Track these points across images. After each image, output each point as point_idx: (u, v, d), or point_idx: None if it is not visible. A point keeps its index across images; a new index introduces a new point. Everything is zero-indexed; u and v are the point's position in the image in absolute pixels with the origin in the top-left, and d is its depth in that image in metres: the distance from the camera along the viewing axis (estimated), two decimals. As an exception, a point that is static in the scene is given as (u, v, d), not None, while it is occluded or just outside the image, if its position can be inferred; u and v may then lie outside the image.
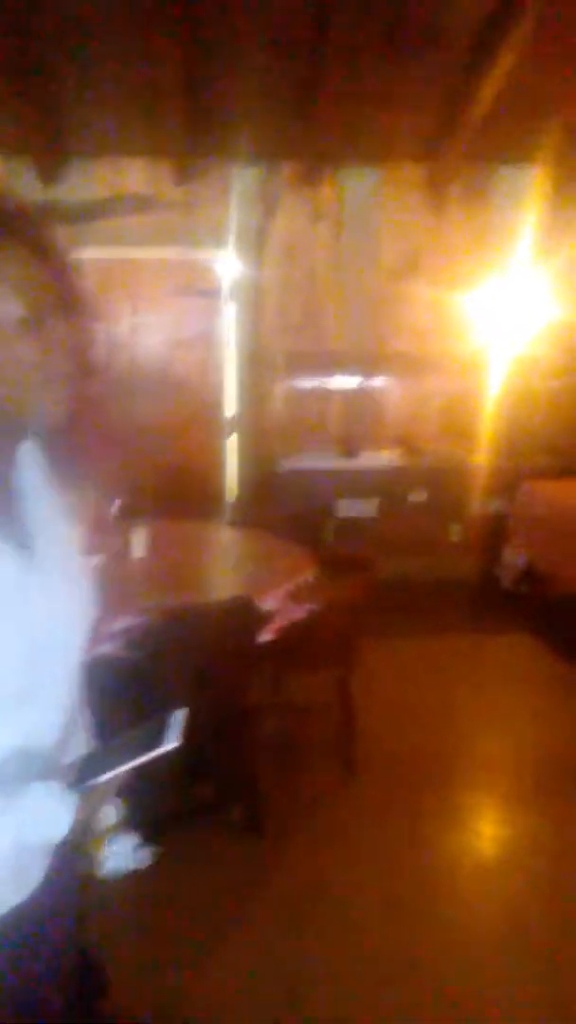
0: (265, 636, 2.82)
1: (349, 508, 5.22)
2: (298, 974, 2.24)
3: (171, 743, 1.03)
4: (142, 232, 4.95)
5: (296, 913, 2.48)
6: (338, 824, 2.91)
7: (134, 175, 4.95)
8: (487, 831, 3.03)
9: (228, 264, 5.21)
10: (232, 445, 5.42)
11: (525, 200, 5.04)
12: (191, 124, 4.54)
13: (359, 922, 2.44)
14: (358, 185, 5.11)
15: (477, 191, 5.14)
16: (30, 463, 1.13)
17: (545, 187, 4.96)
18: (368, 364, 5.35)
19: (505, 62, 4.06)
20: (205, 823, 2.83)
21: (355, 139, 4.85)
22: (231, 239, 5.10)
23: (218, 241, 5.09)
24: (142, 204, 4.91)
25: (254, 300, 5.25)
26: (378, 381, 5.41)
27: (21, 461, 1.11)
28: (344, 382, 5.38)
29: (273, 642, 2.84)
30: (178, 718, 1.07)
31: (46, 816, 1.00)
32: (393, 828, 2.89)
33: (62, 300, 1.07)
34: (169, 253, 5.08)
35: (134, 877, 2.26)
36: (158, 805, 2.68)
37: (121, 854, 1.22)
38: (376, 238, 5.19)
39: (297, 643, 2.94)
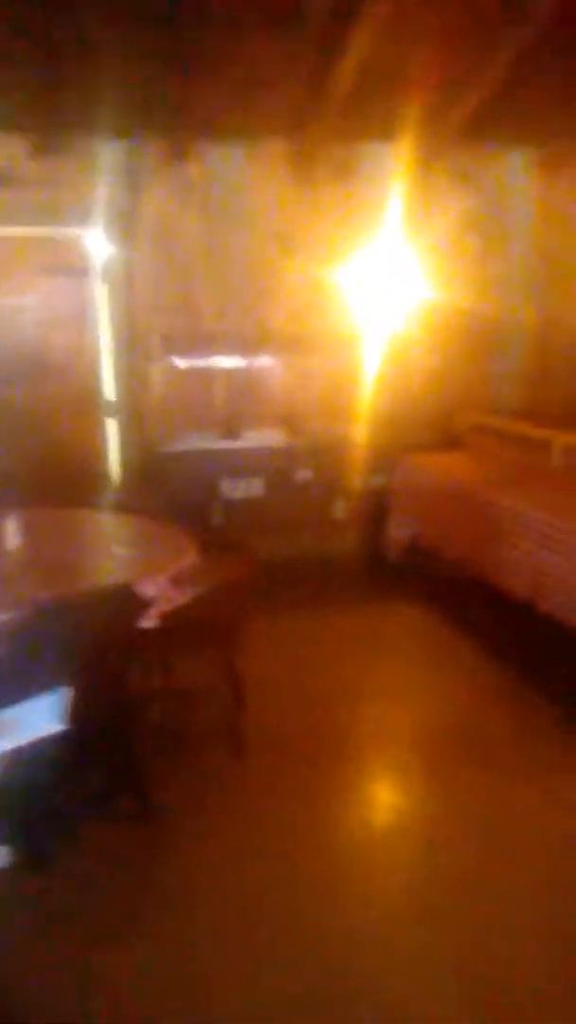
0: (147, 622, 2.77)
1: (234, 489, 5.20)
2: (195, 965, 2.22)
3: (56, 724, 0.98)
4: (4, 209, 4.74)
5: (190, 899, 2.45)
6: (230, 805, 2.90)
7: (-9, 149, 4.73)
8: (380, 801, 3.08)
9: (97, 242, 5.06)
10: (112, 429, 5.29)
11: (391, 177, 5.09)
12: (50, 97, 4.36)
13: (255, 903, 2.44)
14: (226, 161, 5.05)
15: (343, 167, 5.16)
16: None
17: (408, 164, 5.02)
18: (246, 344, 5.31)
19: (363, 40, 4.07)
20: (94, 814, 2.77)
21: (221, 115, 4.78)
22: (99, 217, 4.95)
23: (86, 219, 4.94)
24: (1, 179, 4.70)
25: (126, 279, 5.13)
26: (257, 361, 5.38)
27: None
28: (223, 362, 5.32)
29: (156, 628, 2.80)
30: (59, 700, 1.02)
31: None
32: (285, 805, 2.90)
33: None
34: (35, 231, 4.89)
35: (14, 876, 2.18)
36: (42, 801, 2.60)
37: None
38: (247, 215, 5.14)
39: (181, 627, 2.90)
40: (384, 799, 3.10)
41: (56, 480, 4.78)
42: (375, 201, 5.11)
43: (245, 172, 5.09)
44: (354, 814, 2.92)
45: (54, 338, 5.12)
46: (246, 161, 5.08)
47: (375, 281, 5.25)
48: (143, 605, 2.70)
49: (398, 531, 5.19)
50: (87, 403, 5.19)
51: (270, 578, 3.62)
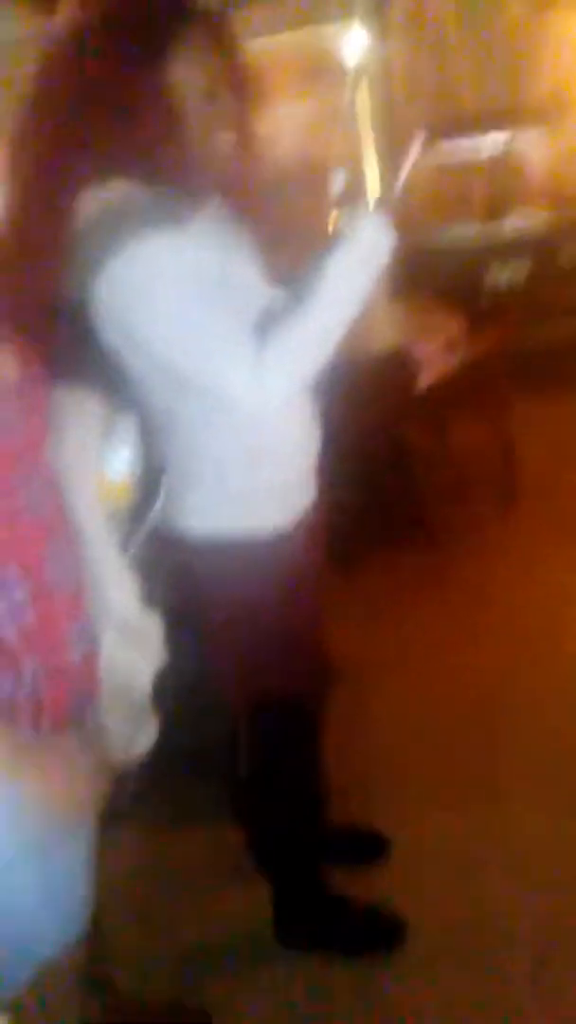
0: (423, 382, 3.18)
1: (498, 275, 5.30)
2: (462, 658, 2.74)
3: None
4: (272, 18, 4.98)
5: (467, 612, 2.96)
6: (501, 540, 3.35)
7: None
8: None
9: (355, 39, 5.17)
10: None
11: None
12: None
13: (526, 625, 2.84)
14: None
15: None
16: (215, 211, 1.44)
17: None
18: (509, 118, 5.23)
19: None
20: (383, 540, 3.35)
21: None
22: (356, 12, 5.04)
23: (343, 16, 5.05)
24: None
25: (384, 72, 5.22)
26: (521, 136, 5.29)
27: (208, 205, 1.43)
28: (485, 142, 5.30)
29: (429, 389, 3.20)
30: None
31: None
32: (551, 545, 3.28)
33: (235, 80, 1.37)
34: (296, 36, 5.11)
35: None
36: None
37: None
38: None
39: (452, 390, 3.28)
40: None
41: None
42: None
43: None
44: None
45: (318, 139, 5.40)
46: None
47: None
48: (420, 365, 3.11)
49: None
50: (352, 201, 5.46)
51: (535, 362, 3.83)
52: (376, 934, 1.82)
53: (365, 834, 2.02)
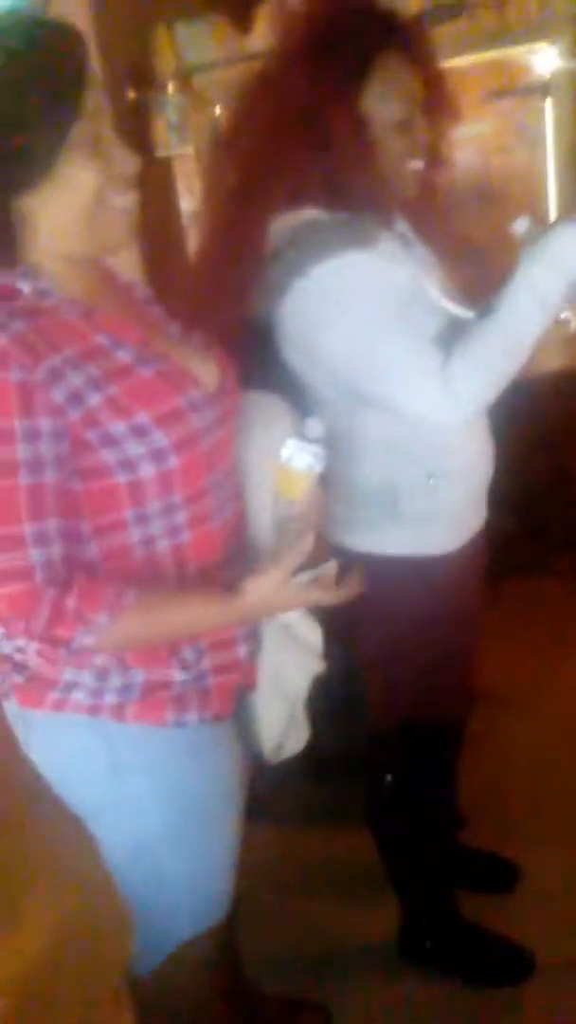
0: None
1: None
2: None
3: None
4: (457, 39, 4.96)
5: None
6: None
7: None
8: None
9: (545, 58, 5.06)
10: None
11: None
12: None
13: None
14: None
15: None
16: (399, 231, 1.49)
17: None
18: None
19: None
20: (537, 572, 3.26)
21: None
22: (547, 31, 4.93)
23: (533, 35, 4.95)
24: (455, 10, 4.90)
25: (572, 88, 5.08)
26: None
27: (396, 223, 1.47)
28: None
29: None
30: None
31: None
32: None
33: (431, 103, 1.37)
34: (484, 56, 5.05)
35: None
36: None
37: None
38: None
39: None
40: None
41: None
42: None
43: None
44: None
45: (498, 163, 5.31)
46: None
47: None
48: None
49: None
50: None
51: None
52: (504, 967, 1.79)
53: (497, 861, 1.99)
